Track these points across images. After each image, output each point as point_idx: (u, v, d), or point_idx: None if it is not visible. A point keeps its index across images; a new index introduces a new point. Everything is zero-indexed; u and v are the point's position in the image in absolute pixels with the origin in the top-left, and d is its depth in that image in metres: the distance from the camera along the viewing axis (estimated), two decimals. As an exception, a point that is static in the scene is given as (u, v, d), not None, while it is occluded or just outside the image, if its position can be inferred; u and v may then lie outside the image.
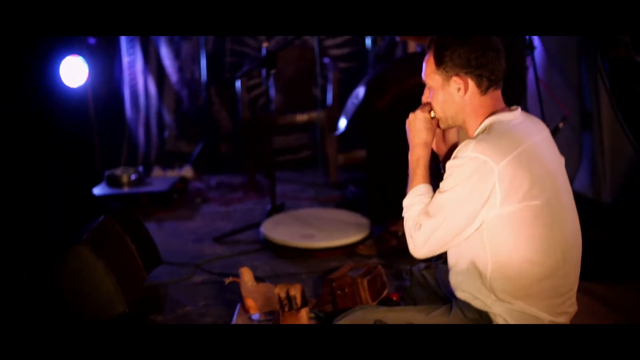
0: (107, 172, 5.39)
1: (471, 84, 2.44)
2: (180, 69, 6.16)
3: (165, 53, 6.09)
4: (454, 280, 2.53)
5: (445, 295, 2.77)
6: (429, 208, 2.41)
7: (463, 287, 2.49)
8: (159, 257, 3.85)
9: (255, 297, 3.26)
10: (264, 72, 4.42)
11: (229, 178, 6.00)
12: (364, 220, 4.50)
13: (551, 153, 2.48)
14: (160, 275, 3.93)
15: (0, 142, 3.90)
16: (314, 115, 5.76)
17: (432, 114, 2.56)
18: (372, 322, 2.51)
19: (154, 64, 6.15)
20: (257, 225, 4.57)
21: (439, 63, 2.46)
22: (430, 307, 2.63)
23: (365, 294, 3.23)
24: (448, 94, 2.48)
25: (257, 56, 6.02)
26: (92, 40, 5.50)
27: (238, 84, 5.68)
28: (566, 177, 2.49)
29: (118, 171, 5.41)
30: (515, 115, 2.45)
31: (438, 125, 2.59)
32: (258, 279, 3.50)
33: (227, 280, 3.26)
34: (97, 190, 5.16)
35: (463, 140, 2.46)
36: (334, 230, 4.38)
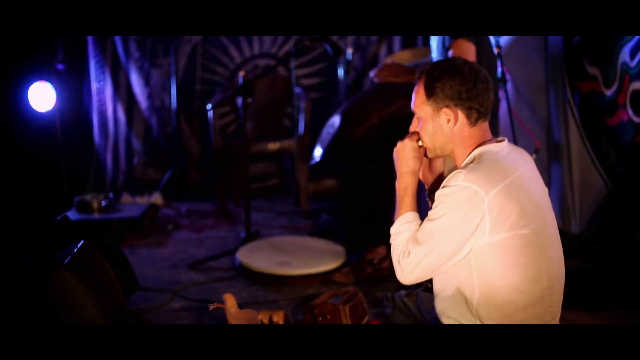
0: (77, 198, 5.35)
1: (461, 115, 2.48)
2: (150, 96, 6.16)
3: (136, 80, 6.10)
4: (440, 306, 2.56)
5: (427, 322, 2.81)
6: (418, 235, 2.44)
7: (449, 314, 2.52)
8: (136, 283, 3.84)
9: (239, 322, 3.26)
10: (239, 100, 4.44)
11: (199, 205, 6.00)
12: (339, 248, 4.53)
13: (537, 184, 2.53)
14: (138, 301, 3.92)
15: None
16: (286, 143, 5.80)
17: (420, 143, 2.60)
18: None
19: (123, 91, 6.14)
20: (232, 252, 4.58)
21: (430, 94, 2.50)
22: (415, 333, 2.68)
23: (347, 320, 3.23)
24: (437, 124, 2.52)
25: (228, 85, 6.05)
26: (60, 66, 5.51)
27: (211, 112, 5.70)
28: (551, 207, 2.55)
29: (88, 197, 5.37)
30: (503, 146, 2.50)
31: (425, 155, 2.64)
32: (237, 305, 3.51)
33: (212, 307, 3.26)
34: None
35: (449, 169, 2.52)
36: (310, 258, 4.40)
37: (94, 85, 6.05)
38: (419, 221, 2.53)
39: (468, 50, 3.59)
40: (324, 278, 4.26)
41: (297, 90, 5.96)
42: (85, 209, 5.30)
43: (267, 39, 6.20)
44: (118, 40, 5.97)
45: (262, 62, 6.26)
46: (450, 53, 3.62)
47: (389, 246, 2.59)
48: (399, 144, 2.63)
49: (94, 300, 3.33)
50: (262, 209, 5.90)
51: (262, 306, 3.84)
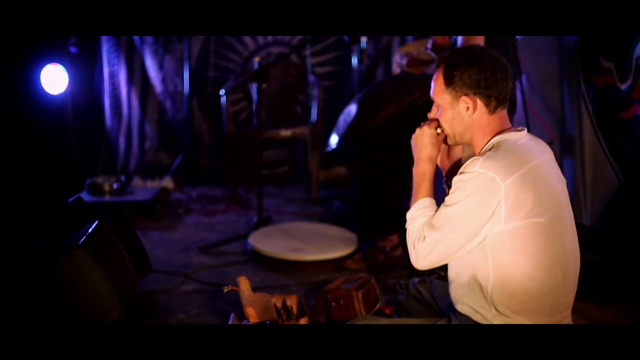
0: (88, 180, 5.38)
1: (480, 103, 2.49)
2: (164, 81, 6.18)
3: (151, 64, 6.12)
4: (455, 293, 2.57)
5: (440, 309, 2.83)
6: (434, 221, 2.45)
7: (464, 300, 2.53)
8: (149, 265, 3.85)
9: (254, 306, 3.28)
10: (253, 86, 4.45)
11: (210, 190, 6.03)
12: (351, 235, 4.56)
13: (555, 174, 2.53)
14: (149, 283, 3.94)
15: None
16: (298, 130, 5.82)
17: (439, 130, 2.62)
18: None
19: (138, 75, 6.17)
20: (244, 236, 4.61)
21: (449, 83, 2.51)
22: (428, 320, 2.69)
23: (359, 306, 3.25)
24: (457, 112, 2.53)
25: (241, 71, 6.07)
26: (73, 49, 5.52)
27: (224, 97, 5.72)
28: (568, 198, 2.56)
29: (99, 179, 5.40)
30: (522, 135, 2.51)
31: (444, 141, 2.66)
32: (251, 288, 3.53)
33: (226, 289, 3.28)
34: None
35: (467, 156, 2.53)
36: (322, 244, 4.43)
37: (106, 69, 6.07)
38: (435, 207, 2.54)
39: (476, 39, 3.58)
40: (336, 264, 4.29)
41: (311, 78, 5.97)
42: (97, 191, 5.33)
43: (281, 27, 6.20)
44: (132, 25, 5.98)
45: (275, 50, 6.28)
46: (459, 40, 3.62)
47: (401, 234, 2.60)
48: (418, 131, 2.64)
49: (108, 281, 3.35)
50: (272, 196, 5.92)
51: (274, 290, 3.84)
